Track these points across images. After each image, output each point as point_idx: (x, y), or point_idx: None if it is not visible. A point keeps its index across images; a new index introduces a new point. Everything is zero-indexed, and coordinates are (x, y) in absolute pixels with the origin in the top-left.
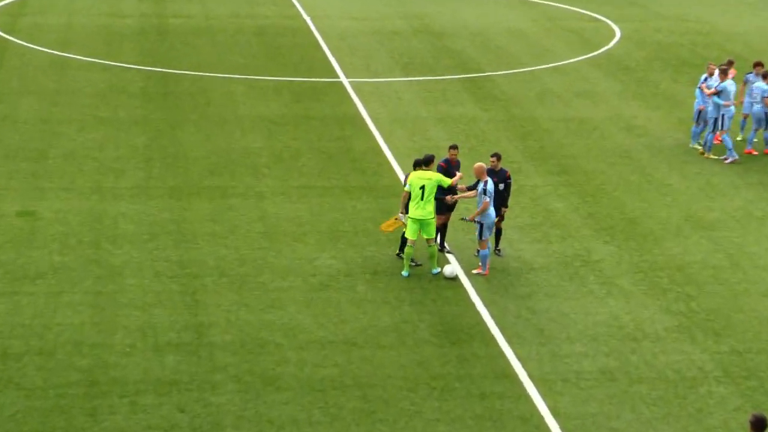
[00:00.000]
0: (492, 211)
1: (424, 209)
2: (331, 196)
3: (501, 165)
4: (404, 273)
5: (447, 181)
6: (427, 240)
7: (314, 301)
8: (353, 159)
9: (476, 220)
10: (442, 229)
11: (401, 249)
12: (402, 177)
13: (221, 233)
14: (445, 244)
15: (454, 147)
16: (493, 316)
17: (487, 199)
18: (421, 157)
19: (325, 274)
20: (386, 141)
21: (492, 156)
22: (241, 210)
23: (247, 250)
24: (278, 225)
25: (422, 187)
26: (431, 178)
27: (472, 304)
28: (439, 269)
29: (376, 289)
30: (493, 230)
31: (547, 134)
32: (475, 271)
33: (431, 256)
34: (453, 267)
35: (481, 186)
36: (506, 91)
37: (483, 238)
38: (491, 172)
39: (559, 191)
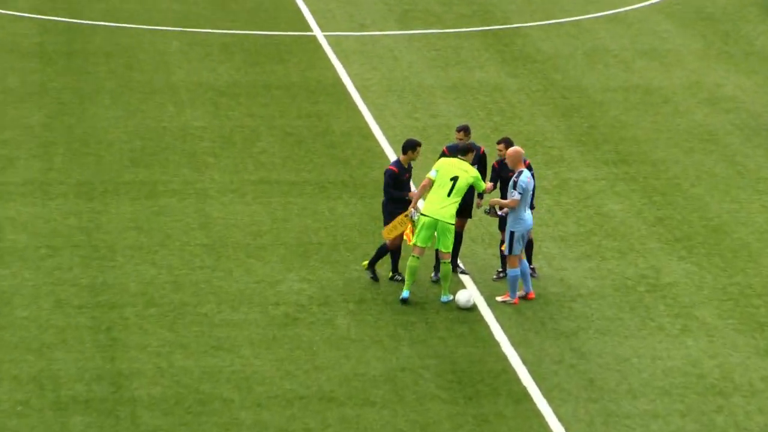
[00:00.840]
0: (528, 215)
1: (447, 208)
2: (301, 196)
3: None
4: (404, 294)
5: (482, 185)
6: (443, 255)
7: (277, 341)
8: (331, 144)
9: (500, 213)
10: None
11: (394, 268)
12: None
13: (148, 246)
14: (459, 262)
15: (463, 129)
16: (525, 362)
17: (518, 196)
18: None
19: (292, 304)
20: (377, 118)
21: (499, 142)
22: (176, 214)
23: (185, 269)
24: (227, 235)
25: (454, 179)
26: (468, 171)
27: (496, 345)
28: (451, 296)
29: (363, 323)
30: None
31: (599, 109)
32: (500, 299)
33: (444, 278)
34: (469, 293)
35: (512, 180)
36: (543, 49)
37: (513, 253)
38: (503, 165)
39: (617, 188)
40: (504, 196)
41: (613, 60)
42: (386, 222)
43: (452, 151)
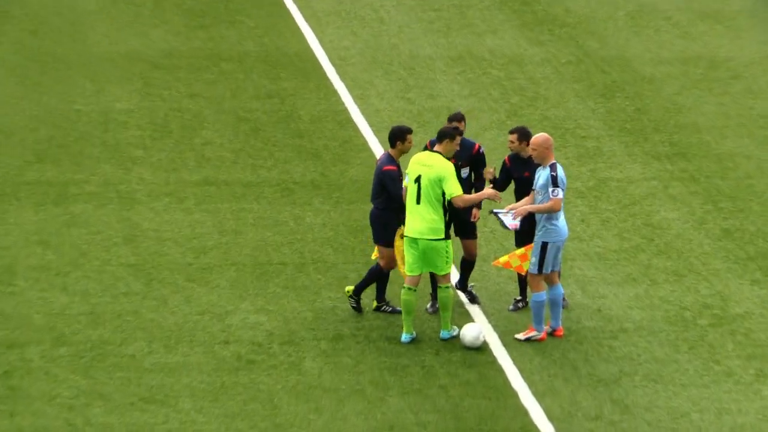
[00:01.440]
0: (564, 223)
1: (422, 221)
2: (258, 201)
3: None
4: (404, 337)
5: (452, 188)
6: (439, 278)
7: (227, 391)
8: (297, 132)
9: (510, 226)
10: (463, 263)
11: (379, 296)
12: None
13: (57, 267)
14: (469, 284)
15: (455, 118)
16: (551, 418)
17: (561, 194)
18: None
19: (246, 342)
20: (357, 100)
21: (512, 132)
22: (94, 224)
23: (105, 297)
24: (161, 252)
25: (417, 180)
26: (432, 166)
27: (513, 395)
28: (455, 331)
29: (340, 367)
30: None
31: (648, 87)
32: (521, 336)
33: (443, 307)
34: (479, 328)
35: (544, 174)
36: (574, 9)
37: (544, 271)
38: (517, 161)
39: (672, 190)
40: (520, 200)
41: (666, 23)
42: (378, 237)
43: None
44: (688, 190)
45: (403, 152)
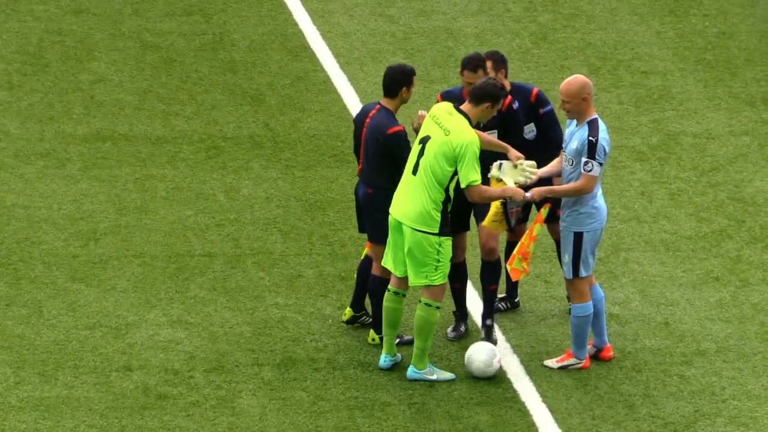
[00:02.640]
0: (602, 201)
1: (410, 199)
2: (174, 164)
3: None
4: (383, 360)
5: (471, 169)
6: (421, 290)
7: None
8: (233, 63)
9: (514, 206)
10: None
11: (356, 303)
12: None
13: None
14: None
15: (470, 64)
16: None
17: (595, 172)
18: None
19: (155, 368)
20: (316, 17)
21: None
22: None
23: None
24: (32, 238)
25: (423, 142)
26: (451, 131)
27: None
28: (432, 374)
29: (292, 406)
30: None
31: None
32: (553, 363)
33: (416, 333)
34: (491, 348)
35: (579, 136)
36: None
37: (584, 273)
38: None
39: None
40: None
41: None
42: (376, 234)
43: (447, 99)
44: None
45: (403, 103)
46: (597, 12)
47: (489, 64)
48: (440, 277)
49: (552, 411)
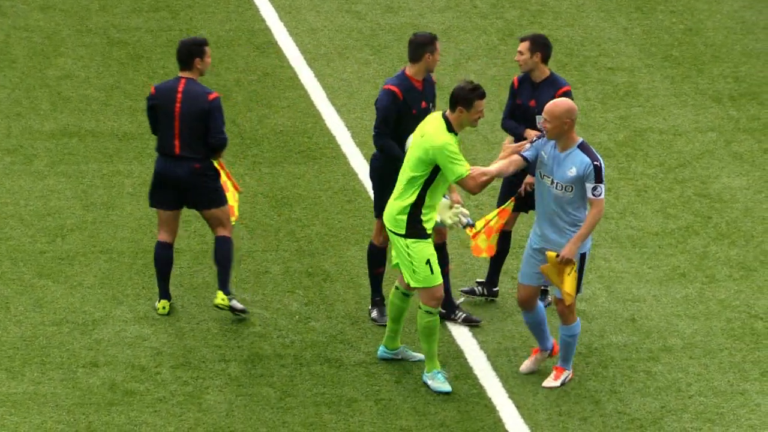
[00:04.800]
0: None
1: (391, 200)
2: (141, 160)
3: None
4: (381, 351)
5: (453, 166)
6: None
7: None
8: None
9: (466, 221)
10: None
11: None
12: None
13: None
14: (455, 300)
15: (423, 42)
16: None
17: (603, 195)
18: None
19: (122, 364)
20: (283, 13)
21: (523, 39)
22: None
23: None
24: None
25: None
26: (425, 135)
27: None
28: (440, 379)
29: (259, 403)
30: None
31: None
32: (555, 382)
33: (421, 337)
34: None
35: (571, 162)
36: None
37: (581, 291)
38: (526, 83)
39: (737, 146)
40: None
41: None
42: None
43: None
44: (760, 147)
45: (201, 75)
46: (564, 8)
47: (526, 44)
48: (420, 280)
49: (518, 407)
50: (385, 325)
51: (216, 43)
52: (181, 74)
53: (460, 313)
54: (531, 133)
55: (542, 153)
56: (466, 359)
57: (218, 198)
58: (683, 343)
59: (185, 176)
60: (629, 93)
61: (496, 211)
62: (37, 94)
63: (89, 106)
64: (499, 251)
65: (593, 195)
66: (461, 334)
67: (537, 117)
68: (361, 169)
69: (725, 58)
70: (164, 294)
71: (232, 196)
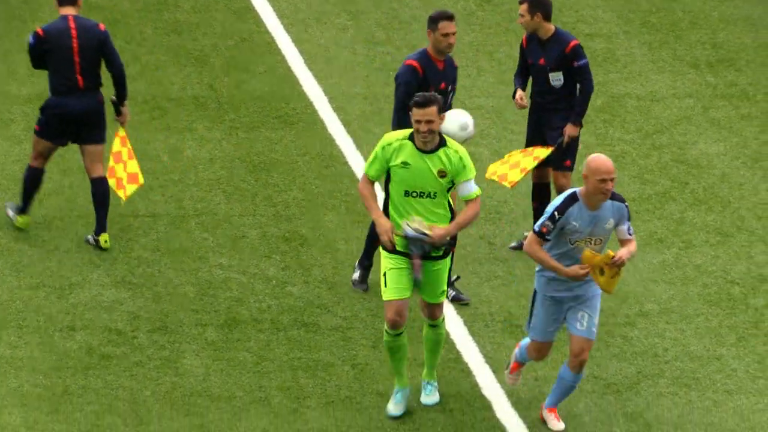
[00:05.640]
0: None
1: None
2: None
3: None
4: (391, 408)
5: (367, 161)
6: (429, 309)
7: (71, 399)
8: (177, 23)
9: (410, 232)
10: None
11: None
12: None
13: None
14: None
15: (440, 18)
16: None
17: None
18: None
19: (99, 328)
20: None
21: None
22: None
23: None
24: None
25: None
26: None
27: (485, 407)
28: (394, 399)
29: (236, 367)
30: None
31: None
32: (561, 424)
33: (430, 351)
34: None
35: (609, 214)
36: None
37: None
38: (534, 42)
39: (715, 112)
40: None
41: None
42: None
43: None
44: (738, 113)
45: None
46: None
47: (525, 6)
48: (385, 293)
49: (495, 372)
50: (363, 291)
51: (194, 8)
52: (64, 12)
53: (451, 291)
54: (518, 96)
55: (572, 223)
56: None
57: (104, 134)
58: (660, 309)
59: (88, 109)
60: (607, 59)
61: (531, 152)
62: (14, 58)
63: None
64: (536, 204)
65: (630, 233)
66: None
67: (550, 75)
68: (339, 134)
69: (703, 25)
70: (25, 209)
71: (136, 164)
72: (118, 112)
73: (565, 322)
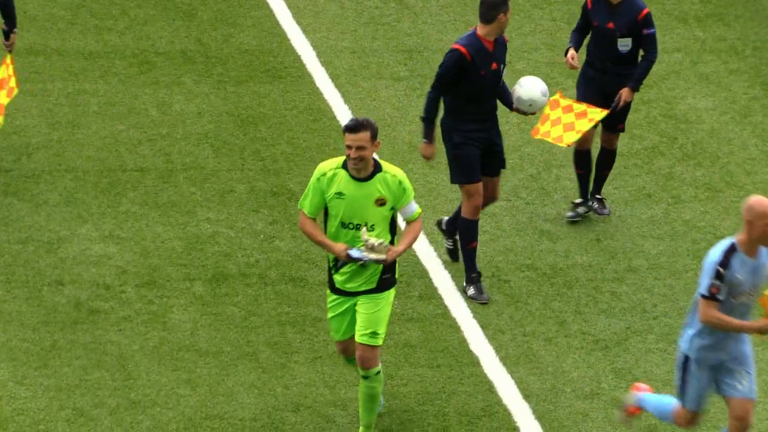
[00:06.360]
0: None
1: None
2: (106, 78)
3: None
4: None
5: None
6: (360, 352)
7: (60, 354)
8: None
9: (363, 257)
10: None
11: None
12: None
13: None
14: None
15: (497, 0)
16: (527, 395)
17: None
18: None
19: (87, 283)
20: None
21: None
22: None
23: None
24: None
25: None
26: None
27: (473, 363)
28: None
29: (223, 321)
30: None
31: None
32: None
33: (363, 407)
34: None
35: None
36: None
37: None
38: (602, 4)
39: (704, 66)
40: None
41: None
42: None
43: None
44: (726, 68)
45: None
46: None
47: None
48: (330, 331)
49: (483, 327)
50: (484, 303)
51: None
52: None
53: (471, 289)
54: (570, 56)
55: (737, 276)
56: (431, 279)
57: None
58: (648, 264)
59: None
60: None
61: (583, 108)
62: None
63: (55, 25)
64: (583, 172)
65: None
66: (425, 255)
67: (619, 40)
68: (326, 88)
69: None
70: None
71: (6, 94)
72: (7, 37)
73: (719, 384)
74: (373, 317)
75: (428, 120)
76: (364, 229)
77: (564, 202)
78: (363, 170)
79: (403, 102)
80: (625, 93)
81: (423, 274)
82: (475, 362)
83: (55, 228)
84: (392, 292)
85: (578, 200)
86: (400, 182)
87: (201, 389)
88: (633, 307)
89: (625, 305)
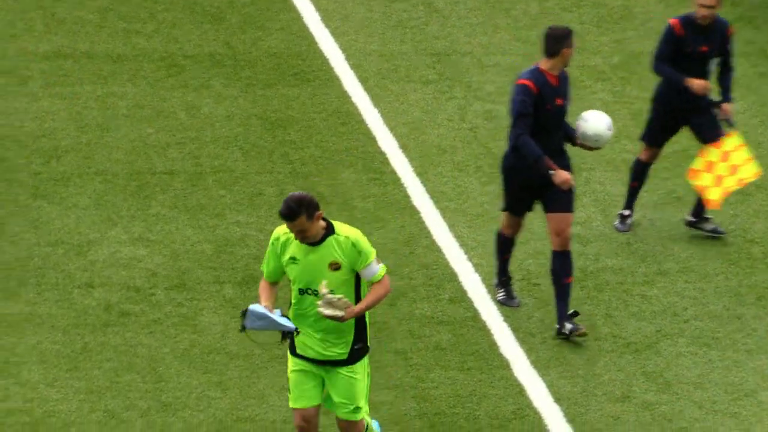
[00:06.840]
0: None
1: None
2: (135, 81)
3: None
4: None
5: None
6: (342, 429)
7: (90, 357)
8: None
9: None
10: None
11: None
12: None
13: None
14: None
15: (561, 37)
16: (558, 398)
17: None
18: None
19: (117, 285)
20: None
21: None
22: None
23: None
24: None
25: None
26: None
27: (503, 366)
28: None
29: None
30: None
31: None
32: None
33: None
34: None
35: None
36: None
37: None
38: (694, 28)
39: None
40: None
41: None
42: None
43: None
44: (756, 71)
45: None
46: None
47: None
48: (289, 398)
49: (513, 330)
50: (515, 307)
51: None
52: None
53: (568, 325)
54: (695, 84)
55: None
56: (460, 282)
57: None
58: (679, 267)
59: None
60: (624, 16)
61: (735, 168)
62: (31, 15)
63: (83, 28)
64: (637, 185)
65: None
66: (455, 258)
67: (710, 61)
68: (355, 91)
69: None
70: None
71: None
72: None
73: None
74: (350, 390)
75: (539, 158)
76: (324, 282)
77: (593, 205)
78: (311, 239)
79: (431, 105)
80: (730, 107)
81: (453, 277)
82: (505, 365)
83: (85, 231)
84: (366, 360)
85: (626, 211)
86: (353, 244)
87: (232, 392)
88: (663, 310)
89: (655, 308)
